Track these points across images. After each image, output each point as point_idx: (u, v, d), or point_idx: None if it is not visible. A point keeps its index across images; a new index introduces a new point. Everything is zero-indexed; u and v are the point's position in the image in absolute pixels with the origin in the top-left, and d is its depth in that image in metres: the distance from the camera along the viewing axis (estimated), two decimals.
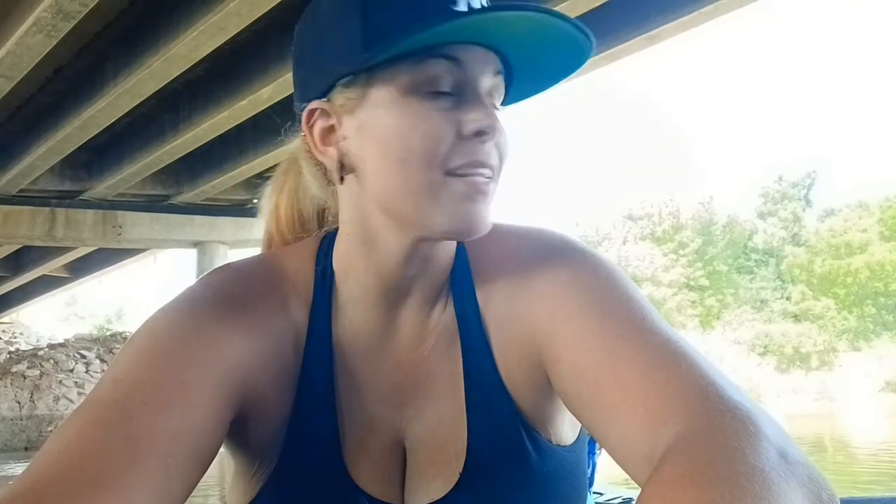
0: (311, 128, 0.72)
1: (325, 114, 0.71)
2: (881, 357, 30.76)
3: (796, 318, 34.38)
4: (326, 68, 0.69)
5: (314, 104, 0.71)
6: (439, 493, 0.74)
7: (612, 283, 0.71)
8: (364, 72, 0.67)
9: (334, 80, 0.69)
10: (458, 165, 0.66)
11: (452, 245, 0.76)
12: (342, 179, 0.72)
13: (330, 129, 0.71)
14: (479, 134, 0.66)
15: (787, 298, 35.81)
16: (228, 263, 0.80)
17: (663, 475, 0.51)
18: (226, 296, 0.73)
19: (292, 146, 0.83)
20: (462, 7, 0.66)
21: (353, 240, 0.74)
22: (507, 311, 0.75)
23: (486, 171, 0.67)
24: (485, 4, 0.68)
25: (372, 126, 0.68)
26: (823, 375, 31.63)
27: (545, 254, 0.75)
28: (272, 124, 10.90)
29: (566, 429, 0.78)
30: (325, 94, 0.70)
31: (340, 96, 0.70)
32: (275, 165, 0.89)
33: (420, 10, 0.65)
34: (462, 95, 0.67)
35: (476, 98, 0.67)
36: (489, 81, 0.68)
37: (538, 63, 0.70)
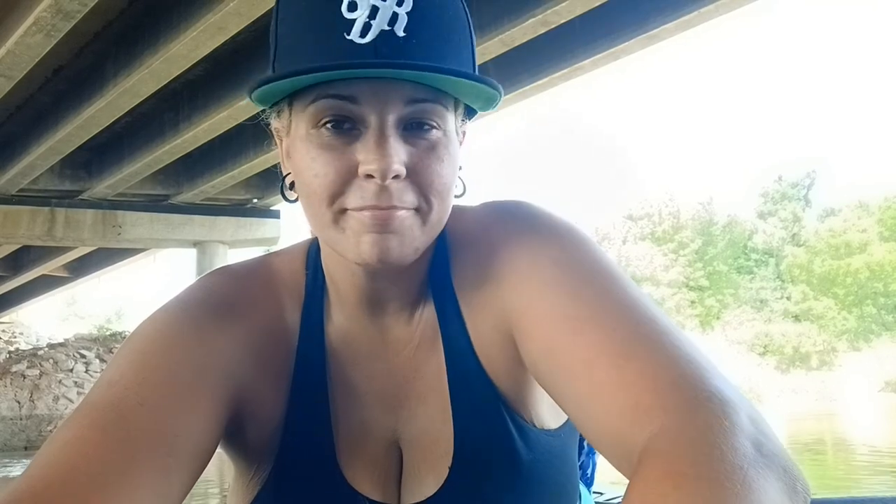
0: (279, 138, 0.73)
1: (279, 130, 0.72)
2: (881, 357, 30.77)
3: (796, 318, 34.39)
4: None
5: (272, 121, 0.72)
6: (431, 490, 0.74)
7: (581, 254, 0.70)
8: (287, 101, 0.67)
9: (258, 104, 0.69)
10: (353, 207, 0.64)
11: (427, 252, 0.75)
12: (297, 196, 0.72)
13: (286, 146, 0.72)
14: (370, 177, 0.63)
15: (787, 298, 35.81)
16: (223, 267, 0.81)
17: (643, 477, 0.51)
18: (220, 299, 0.74)
19: None
20: (356, 37, 0.61)
21: (327, 249, 0.74)
22: (480, 293, 0.74)
23: (387, 211, 0.64)
24: (387, 29, 0.62)
25: (292, 156, 0.68)
26: (823, 375, 31.65)
27: (514, 227, 0.74)
28: None
29: (548, 411, 0.77)
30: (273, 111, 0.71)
31: (275, 121, 0.71)
32: (275, 165, 0.89)
33: (304, 50, 0.63)
34: (363, 132, 0.64)
35: (372, 137, 0.63)
36: (397, 113, 0.64)
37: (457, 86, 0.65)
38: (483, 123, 12.24)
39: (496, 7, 8.46)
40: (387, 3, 0.62)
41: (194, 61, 8.89)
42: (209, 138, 11.29)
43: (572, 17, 8.43)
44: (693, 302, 35.74)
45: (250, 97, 0.65)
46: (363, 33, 0.61)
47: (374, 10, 0.62)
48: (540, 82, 10.17)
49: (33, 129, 11.19)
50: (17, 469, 11.83)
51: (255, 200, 15.26)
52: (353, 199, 0.64)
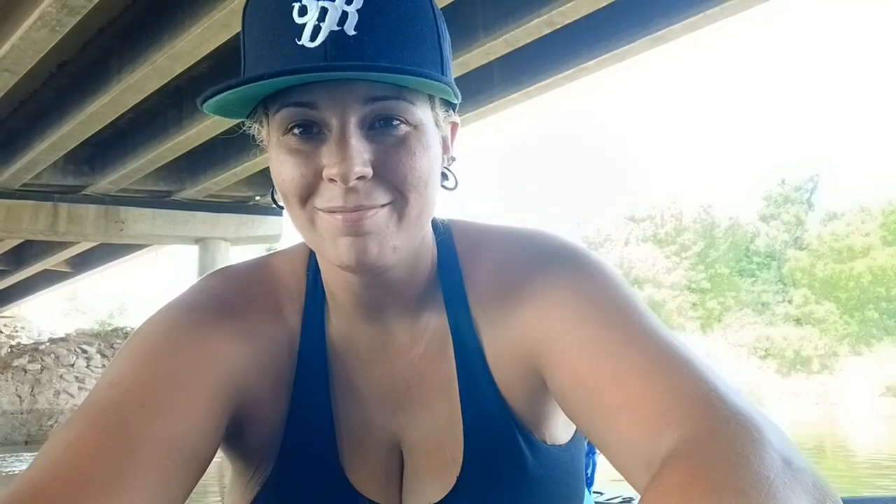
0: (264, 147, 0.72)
1: (262, 139, 0.71)
2: (882, 362, 30.72)
3: (798, 321, 34.34)
4: None
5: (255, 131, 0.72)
6: (437, 496, 0.74)
7: (609, 287, 0.70)
8: (263, 111, 0.67)
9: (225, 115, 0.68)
10: (324, 208, 0.64)
11: (424, 258, 0.75)
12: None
13: None
14: (333, 181, 0.63)
15: (789, 302, 35.77)
16: (223, 268, 0.81)
17: (666, 481, 0.49)
18: (220, 301, 0.74)
19: None
20: (307, 42, 0.61)
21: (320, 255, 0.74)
22: (500, 315, 0.74)
23: (359, 210, 0.63)
24: (336, 29, 0.61)
25: (270, 163, 0.68)
26: (824, 379, 31.60)
27: (540, 258, 0.74)
28: None
29: (560, 429, 0.78)
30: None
31: (254, 127, 0.70)
32: None
33: (262, 60, 0.63)
34: (327, 136, 0.64)
35: (334, 140, 0.63)
36: (357, 114, 0.63)
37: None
38: (486, 123, 12.22)
39: (501, 7, 8.46)
40: (336, 2, 0.61)
41: (198, 58, 8.90)
42: (212, 135, 11.30)
43: (577, 17, 8.42)
44: (694, 304, 35.72)
45: (202, 109, 0.64)
46: (313, 37, 0.61)
47: (323, 12, 0.61)
48: (545, 83, 10.17)
49: (37, 125, 11.21)
50: (16, 464, 11.84)
51: (258, 198, 15.27)
52: (321, 199, 0.64)
